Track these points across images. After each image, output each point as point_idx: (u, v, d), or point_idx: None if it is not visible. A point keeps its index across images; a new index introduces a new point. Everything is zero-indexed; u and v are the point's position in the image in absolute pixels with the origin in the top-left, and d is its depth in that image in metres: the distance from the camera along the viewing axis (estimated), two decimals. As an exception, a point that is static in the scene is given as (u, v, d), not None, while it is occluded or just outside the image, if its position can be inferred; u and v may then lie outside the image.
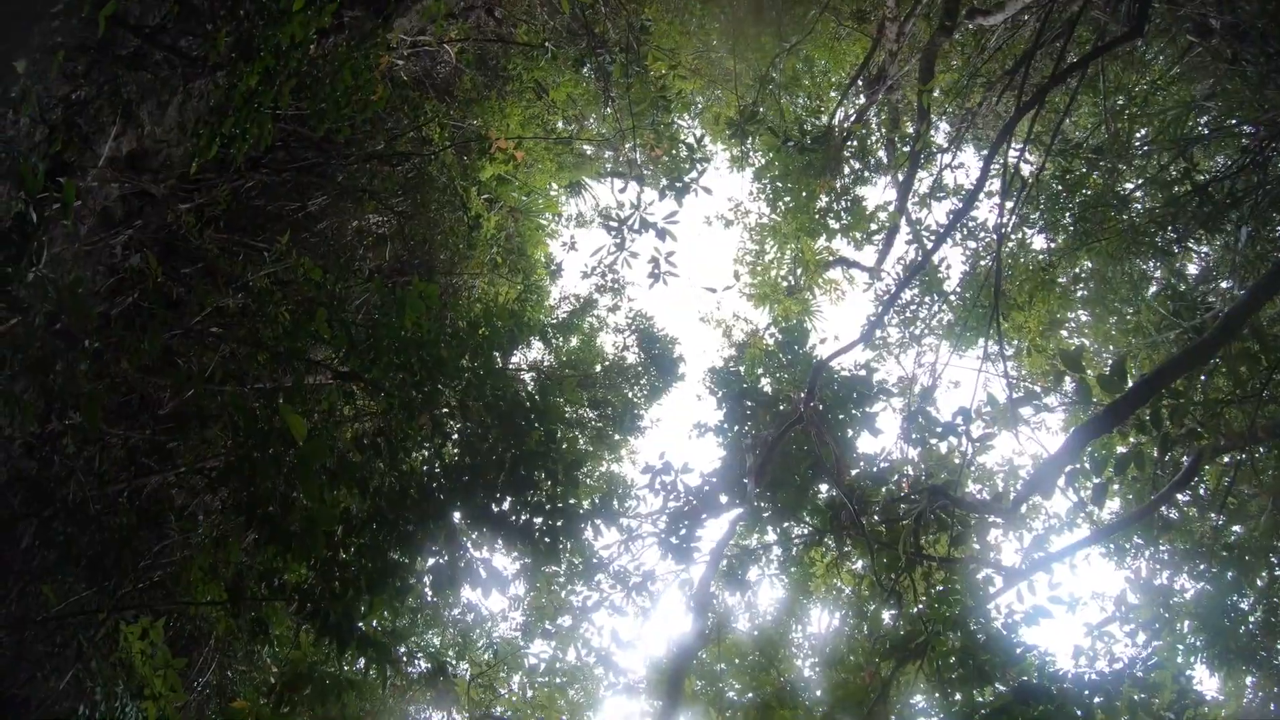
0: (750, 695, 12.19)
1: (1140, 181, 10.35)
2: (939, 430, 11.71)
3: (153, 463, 7.37)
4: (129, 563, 7.24)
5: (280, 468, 6.06)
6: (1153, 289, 10.90)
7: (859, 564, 12.35)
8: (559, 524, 7.27)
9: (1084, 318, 13.12)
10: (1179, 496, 10.08)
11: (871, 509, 11.54)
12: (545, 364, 14.51)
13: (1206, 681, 11.18)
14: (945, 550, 11.22)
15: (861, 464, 12.66)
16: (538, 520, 7.20)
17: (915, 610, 10.05)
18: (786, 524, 13.51)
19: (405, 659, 11.75)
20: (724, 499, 12.56)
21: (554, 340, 14.33)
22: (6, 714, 6.34)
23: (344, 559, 6.81)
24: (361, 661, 10.40)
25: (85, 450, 6.78)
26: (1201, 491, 10.11)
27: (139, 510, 7.26)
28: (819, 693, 11.62)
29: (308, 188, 8.94)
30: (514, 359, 13.76)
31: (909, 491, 11.70)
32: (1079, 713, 8.34)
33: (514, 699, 14.69)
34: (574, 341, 14.78)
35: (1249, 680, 10.65)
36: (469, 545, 7.34)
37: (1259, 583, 9.77)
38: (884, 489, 12.16)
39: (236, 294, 8.12)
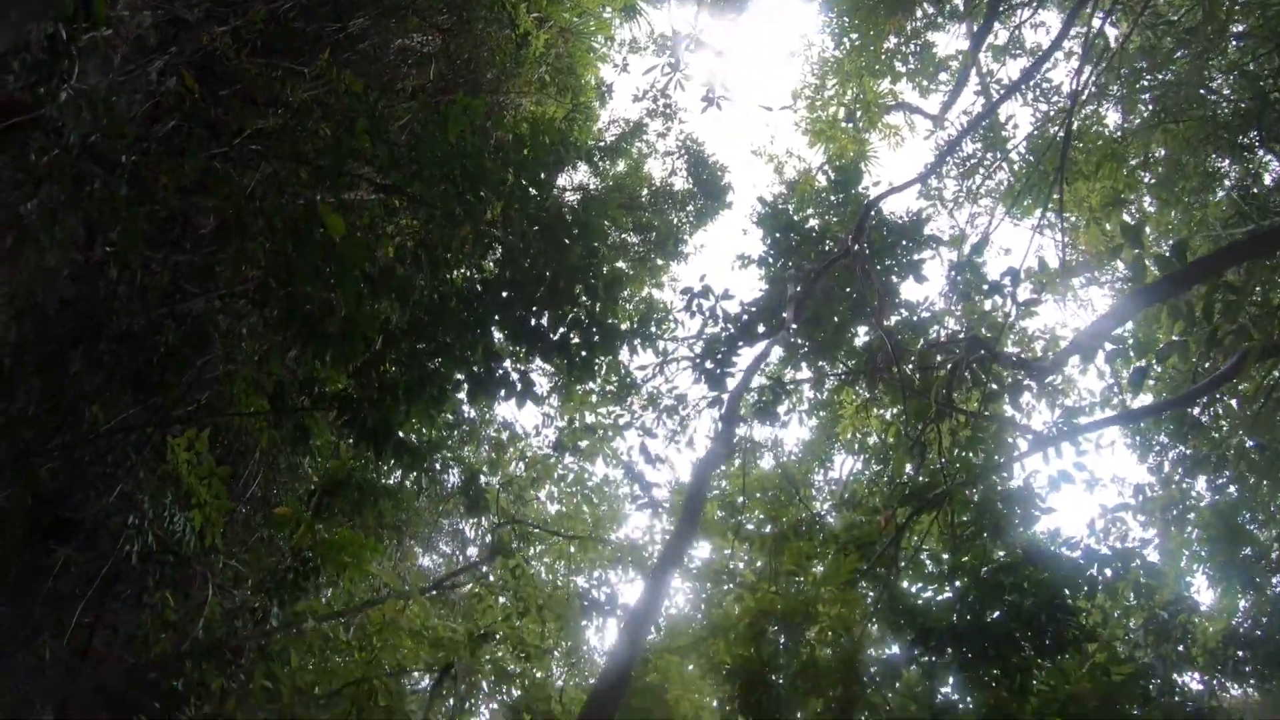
0: (769, 528, 12.56)
1: (1230, 76, 9.53)
2: (985, 288, 11.46)
3: (195, 288, 7.46)
4: (174, 380, 7.46)
5: (319, 272, 6.05)
6: (1222, 192, 10.26)
7: (888, 413, 12.42)
8: (596, 340, 7.30)
9: (1148, 205, 12.51)
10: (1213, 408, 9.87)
11: (908, 357, 11.45)
12: (591, 187, 14.26)
13: (1203, 593, 11.44)
14: (976, 408, 11.19)
15: (903, 311, 12.50)
16: (575, 336, 7.23)
17: (938, 464, 10.13)
18: (821, 363, 13.54)
19: (440, 470, 12.22)
20: (761, 329, 12.54)
21: (600, 164, 14.01)
22: (61, 535, 6.76)
23: (383, 369, 6.92)
24: (399, 474, 10.88)
25: (126, 273, 6.87)
26: (1234, 404, 9.88)
27: (184, 332, 7.42)
28: (834, 533, 11.95)
29: (348, 6, 8.55)
30: (559, 181, 13.52)
31: (947, 342, 11.57)
32: (1081, 583, 8.56)
33: (541, 510, 15.38)
34: (621, 166, 14.44)
35: (1242, 604, 10.73)
36: (506, 359, 7.41)
37: (1271, 509, 9.70)
38: (922, 340, 12.05)
39: (276, 113, 7.94)
